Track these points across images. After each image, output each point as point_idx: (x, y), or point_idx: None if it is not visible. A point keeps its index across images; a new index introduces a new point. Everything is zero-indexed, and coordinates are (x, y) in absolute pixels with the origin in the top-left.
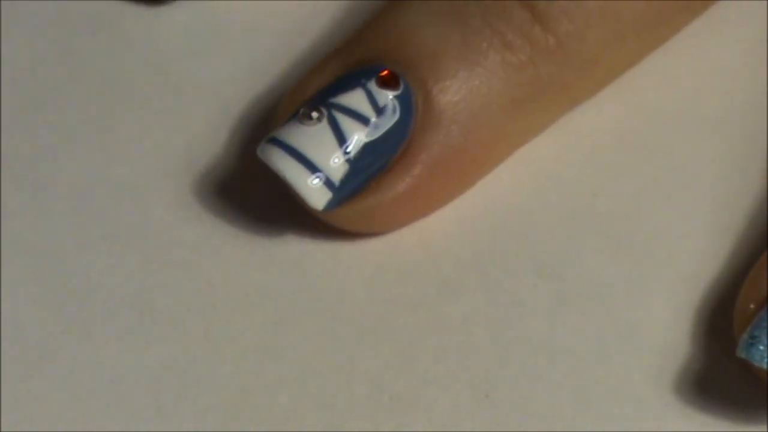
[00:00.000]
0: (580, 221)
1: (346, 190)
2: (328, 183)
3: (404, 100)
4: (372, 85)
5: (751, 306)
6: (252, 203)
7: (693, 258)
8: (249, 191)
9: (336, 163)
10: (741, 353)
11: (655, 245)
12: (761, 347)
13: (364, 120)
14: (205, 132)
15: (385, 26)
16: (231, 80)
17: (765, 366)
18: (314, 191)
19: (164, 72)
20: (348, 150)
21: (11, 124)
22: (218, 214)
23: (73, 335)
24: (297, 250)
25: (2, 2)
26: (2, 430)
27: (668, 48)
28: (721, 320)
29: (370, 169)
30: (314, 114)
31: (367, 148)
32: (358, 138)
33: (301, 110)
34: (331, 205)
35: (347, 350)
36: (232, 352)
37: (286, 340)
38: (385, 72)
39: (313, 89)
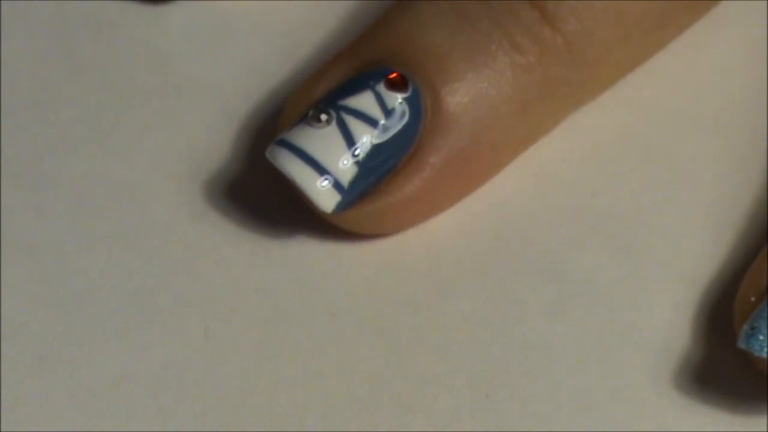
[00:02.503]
0: (580, 221)
1: (355, 193)
2: (337, 185)
3: (413, 103)
4: (380, 88)
5: (752, 299)
6: (251, 203)
7: (693, 257)
8: (248, 191)
9: (345, 166)
10: (741, 344)
11: (655, 245)
12: (761, 337)
13: (372, 122)
14: (206, 132)
15: (393, 27)
16: (232, 80)
17: (765, 355)
18: (323, 194)
19: (165, 72)
20: (357, 152)
21: (11, 123)
22: (218, 214)
23: (73, 335)
24: (298, 250)
25: (2, 2)
26: (2, 430)
27: (668, 48)
28: (721, 319)
29: (379, 171)
30: (323, 116)
31: (375, 151)
32: (367, 140)
33: (310, 112)
34: (340, 207)
35: (347, 350)
36: (232, 352)
37: (286, 340)
38: (394, 74)
39: (320, 91)
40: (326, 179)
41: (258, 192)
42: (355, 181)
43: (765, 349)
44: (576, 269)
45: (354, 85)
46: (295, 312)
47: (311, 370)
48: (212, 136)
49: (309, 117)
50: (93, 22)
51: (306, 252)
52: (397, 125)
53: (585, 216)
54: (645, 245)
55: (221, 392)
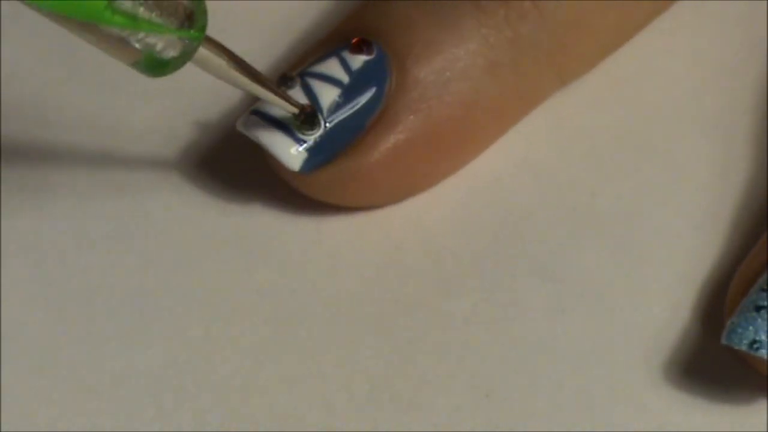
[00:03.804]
0: (579, 221)
1: (323, 152)
2: (303, 143)
3: (378, 64)
4: (345, 53)
5: (740, 297)
6: (252, 203)
7: (692, 257)
8: (250, 191)
9: None
10: (723, 340)
11: (655, 245)
12: (739, 330)
13: (337, 83)
14: (206, 131)
15: (362, 8)
16: None
17: (744, 348)
18: (289, 152)
19: None
20: (321, 111)
21: (11, 124)
22: (218, 214)
23: (73, 335)
24: (297, 250)
25: (2, 2)
26: (2, 430)
27: (668, 48)
28: (720, 319)
29: (346, 131)
30: (285, 81)
31: (341, 110)
32: (332, 100)
33: (275, 80)
34: (308, 166)
35: (347, 350)
36: (232, 352)
37: (285, 339)
38: (356, 39)
39: (294, 71)
40: (289, 136)
41: (259, 192)
42: (321, 140)
43: (744, 342)
44: (576, 269)
45: (322, 57)
46: (295, 312)
47: (311, 370)
48: (213, 136)
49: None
50: None
51: (306, 252)
52: (362, 85)
53: (585, 216)
54: (644, 245)
55: (221, 392)
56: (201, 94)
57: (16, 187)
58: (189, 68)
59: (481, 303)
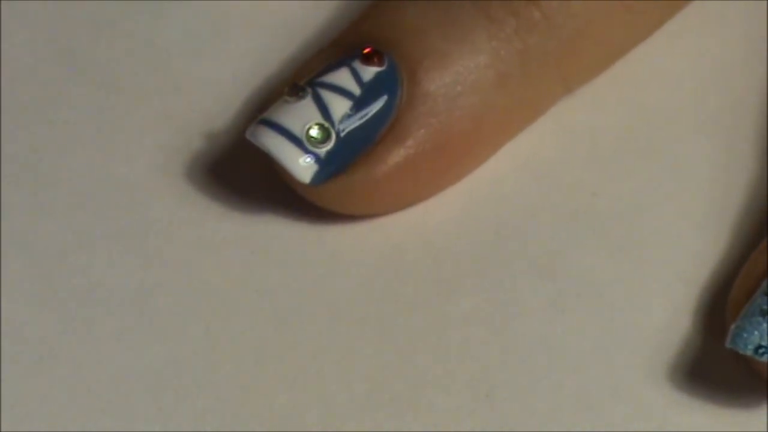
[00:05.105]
0: (580, 221)
1: (333, 164)
2: (313, 155)
3: (389, 75)
4: (356, 63)
5: (743, 299)
6: (252, 203)
7: (692, 257)
8: (250, 191)
9: None
10: (728, 344)
11: (655, 245)
12: (745, 335)
13: (348, 94)
14: (206, 131)
15: (372, 15)
16: (232, 79)
17: (749, 353)
18: (299, 164)
19: (164, 71)
20: (333, 123)
21: (11, 124)
22: (218, 214)
23: (73, 335)
24: (297, 250)
25: (2, 2)
26: (2, 430)
27: (668, 48)
28: (720, 319)
29: (357, 143)
30: (297, 91)
31: (352, 122)
32: (343, 112)
33: (285, 89)
34: (318, 178)
35: (347, 350)
36: (232, 352)
37: (285, 340)
38: (368, 49)
39: (304, 79)
40: (301, 147)
41: (259, 192)
42: (332, 152)
43: (749, 347)
44: (576, 269)
45: (332, 66)
46: (295, 312)
47: (311, 369)
48: (212, 136)
49: (284, 94)
50: (93, 22)
51: (306, 252)
52: (373, 97)
53: (585, 216)
54: (645, 245)
55: (221, 392)
56: (201, 92)
57: (15, 187)
58: (187, 67)
59: (481, 303)
